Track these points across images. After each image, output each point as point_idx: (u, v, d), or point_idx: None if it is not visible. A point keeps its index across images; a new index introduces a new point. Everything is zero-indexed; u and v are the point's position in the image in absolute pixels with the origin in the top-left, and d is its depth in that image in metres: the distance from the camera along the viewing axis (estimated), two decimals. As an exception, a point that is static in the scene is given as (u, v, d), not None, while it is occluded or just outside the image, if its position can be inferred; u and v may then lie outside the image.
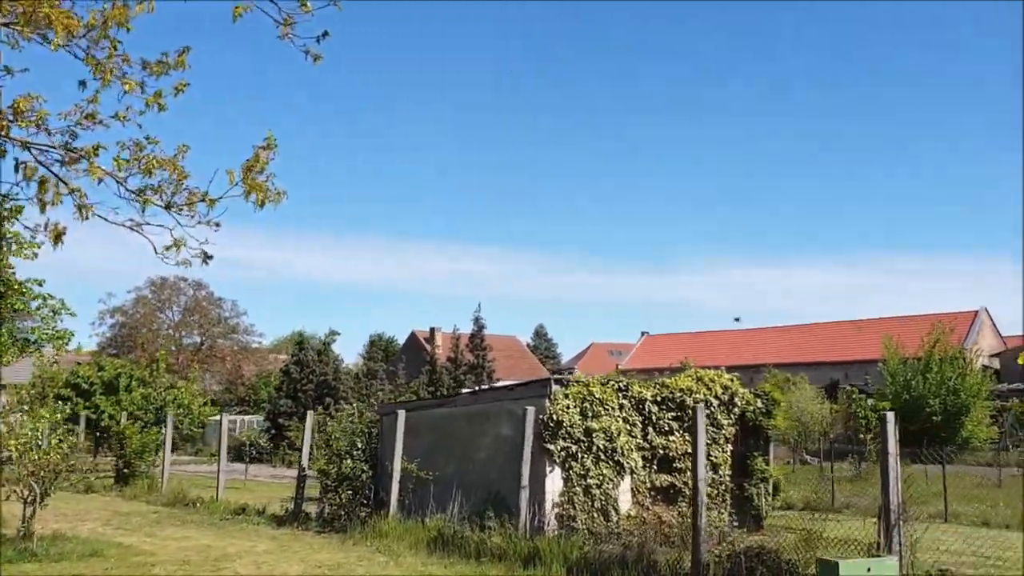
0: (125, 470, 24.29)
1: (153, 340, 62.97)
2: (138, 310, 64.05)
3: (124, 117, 5.95)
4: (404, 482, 15.77)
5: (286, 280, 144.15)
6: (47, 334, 20.26)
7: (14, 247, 19.71)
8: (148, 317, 64.15)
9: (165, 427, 24.06)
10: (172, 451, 41.95)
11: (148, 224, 5.97)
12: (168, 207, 5.99)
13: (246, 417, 52.35)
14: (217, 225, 6.01)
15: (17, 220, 19.14)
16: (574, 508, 14.25)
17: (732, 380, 16.65)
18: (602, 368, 69.32)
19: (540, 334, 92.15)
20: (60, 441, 13.31)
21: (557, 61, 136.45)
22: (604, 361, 79.95)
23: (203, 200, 5.93)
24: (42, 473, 13.19)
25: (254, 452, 33.22)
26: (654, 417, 15.39)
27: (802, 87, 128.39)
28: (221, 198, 5.93)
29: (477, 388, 19.95)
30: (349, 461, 16.85)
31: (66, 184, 5.74)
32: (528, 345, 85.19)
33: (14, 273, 20.17)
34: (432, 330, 67.60)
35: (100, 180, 5.75)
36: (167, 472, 23.08)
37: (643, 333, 76.36)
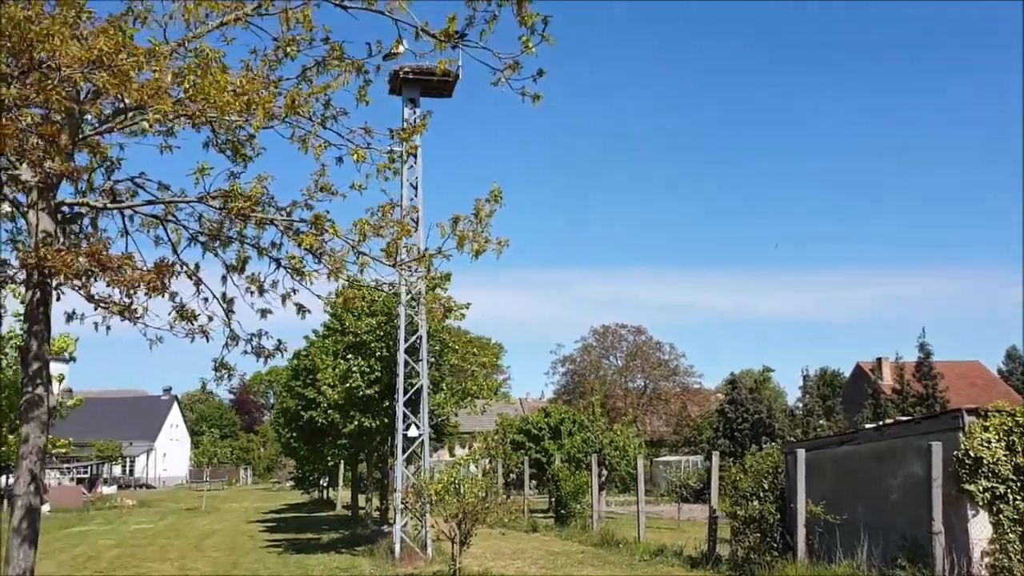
0: (561, 511, 25.84)
1: (600, 386, 66.54)
2: (585, 358, 68.24)
3: (360, 187, 6.53)
4: (811, 525, 14.86)
5: (750, 320, 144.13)
6: (479, 386, 22.47)
7: (444, 311, 22.30)
8: (594, 364, 68.03)
9: (591, 469, 25.16)
10: (622, 492, 43.96)
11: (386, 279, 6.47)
12: (395, 266, 6.43)
13: (690, 458, 53.02)
14: (427, 275, 6.32)
15: (446, 287, 21.69)
16: (1008, 558, 12.32)
17: None
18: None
19: (1013, 357, 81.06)
20: (475, 486, 14.57)
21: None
22: (1103, 385, 68.16)
23: (423, 257, 6.27)
24: (461, 515, 14.54)
25: (684, 493, 33.43)
26: (1114, 450, 12.82)
27: None
28: (438, 251, 6.23)
29: (882, 423, 18.23)
30: (755, 502, 16.32)
31: (301, 273, 6.46)
32: (998, 371, 75.61)
33: (459, 329, 22.78)
34: (879, 360, 62.99)
35: (311, 248, 6.35)
36: (596, 513, 24.10)
37: None
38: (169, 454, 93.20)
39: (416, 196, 20.45)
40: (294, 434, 30.51)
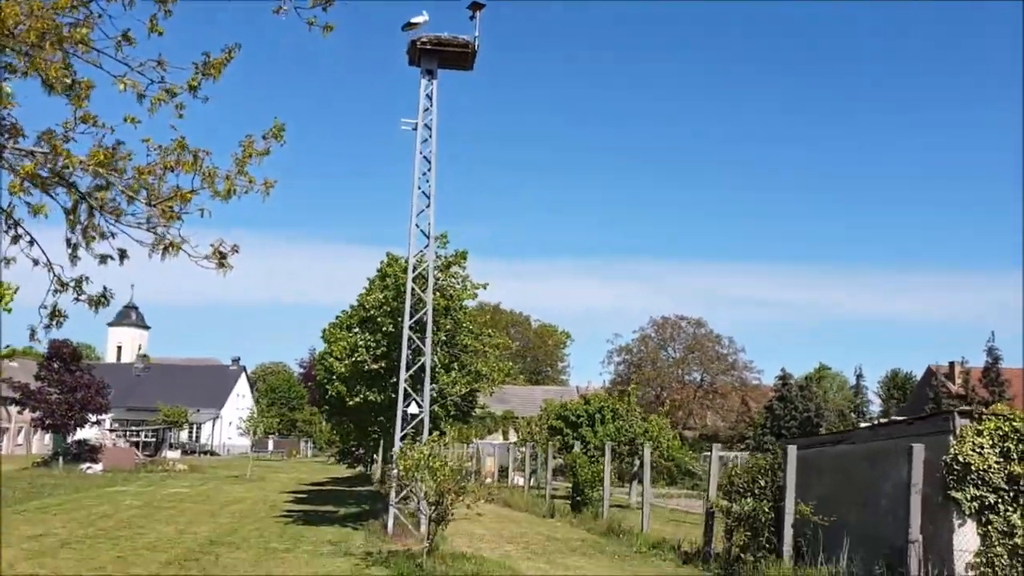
0: (577, 498, 25.36)
1: (656, 377, 65.56)
2: (642, 348, 67.28)
3: (134, 120, 6.13)
4: (800, 526, 14.14)
5: (830, 319, 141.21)
6: (489, 368, 22.10)
7: (459, 288, 21.94)
8: (651, 355, 67.02)
9: (604, 457, 24.57)
10: (668, 484, 43.18)
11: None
12: (151, 204, 6.02)
13: (743, 454, 51.78)
14: (180, 219, 5.91)
15: (463, 266, 21.11)
16: (995, 573, 11.46)
17: None
18: None
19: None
20: (444, 464, 14.15)
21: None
22: None
23: (182, 195, 5.85)
24: (435, 494, 14.18)
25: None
26: (1125, 463, 11.80)
27: None
28: (193, 192, 5.79)
29: (876, 422, 17.27)
30: (749, 499, 15.60)
31: (116, 214, 6.08)
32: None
33: (463, 309, 22.44)
34: (951, 364, 60.62)
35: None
36: (607, 501, 23.52)
37: None
38: (236, 423, 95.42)
39: (430, 169, 20.08)
40: (326, 407, 30.63)
